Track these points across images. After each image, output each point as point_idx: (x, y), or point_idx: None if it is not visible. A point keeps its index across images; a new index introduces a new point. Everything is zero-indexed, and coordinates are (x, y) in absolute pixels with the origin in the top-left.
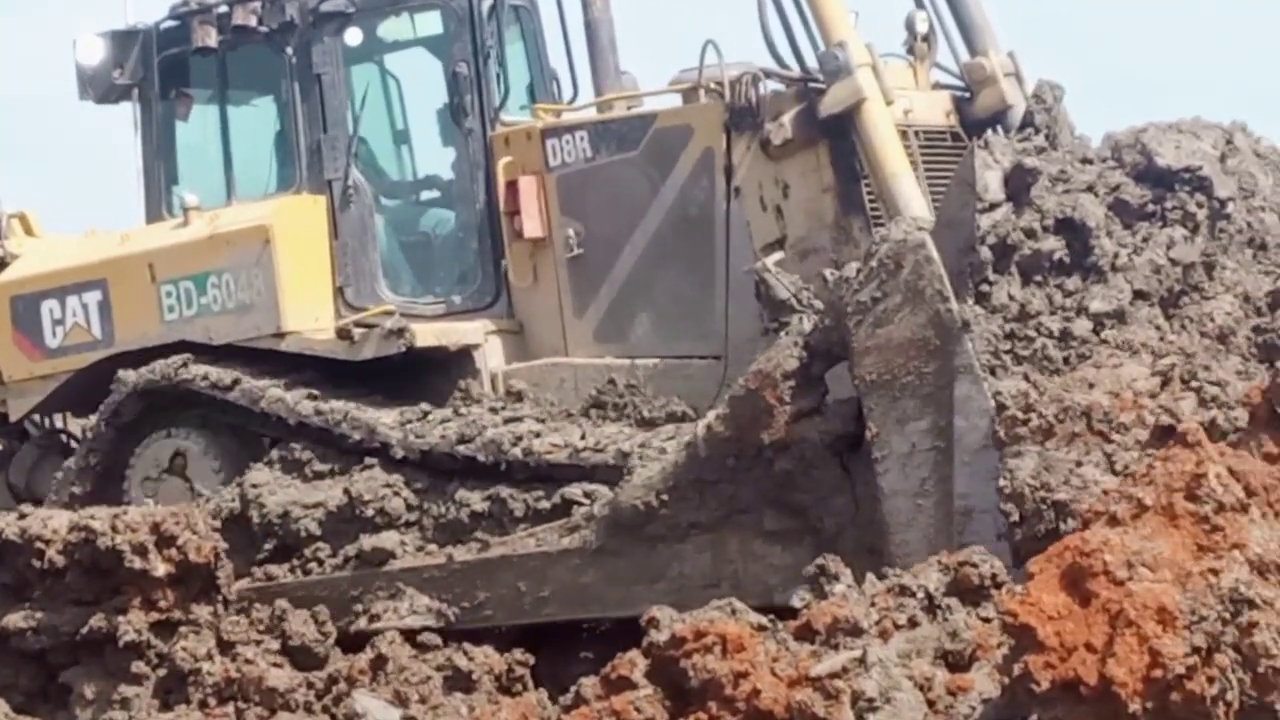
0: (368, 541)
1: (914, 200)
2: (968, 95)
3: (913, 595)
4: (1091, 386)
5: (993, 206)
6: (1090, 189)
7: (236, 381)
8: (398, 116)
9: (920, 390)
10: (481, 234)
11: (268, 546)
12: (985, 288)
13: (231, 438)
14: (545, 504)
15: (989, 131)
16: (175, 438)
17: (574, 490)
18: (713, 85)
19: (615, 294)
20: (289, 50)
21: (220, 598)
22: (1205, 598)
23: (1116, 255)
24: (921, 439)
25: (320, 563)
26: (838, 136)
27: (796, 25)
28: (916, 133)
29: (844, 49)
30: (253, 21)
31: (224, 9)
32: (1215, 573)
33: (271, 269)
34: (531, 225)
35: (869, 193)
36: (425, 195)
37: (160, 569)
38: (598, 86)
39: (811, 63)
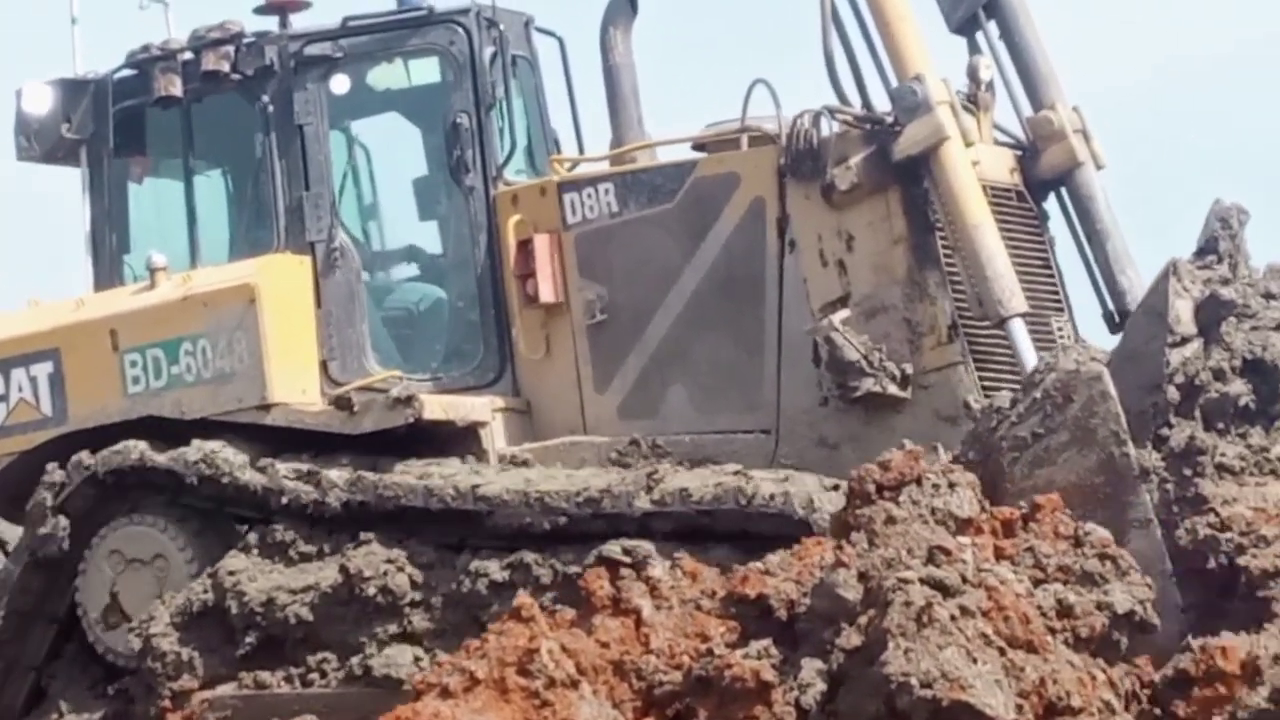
0: (378, 662)
1: (997, 255)
2: (1027, 152)
3: None
4: None
5: (1183, 340)
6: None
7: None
8: (376, 178)
9: None
10: (483, 302)
11: (249, 641)
12: (1165, 431)
13: (204, 523)
14: (576, 568)
15: (1181, 257)
16: (142, 525)
17: (612, 548)
18: (763, 130)
19: (645, 364)
20: (265, 99)
21: None
22: None
23: None
24: None
25: (323, 674)
26: (910, 182)
27: (862, 59)
28: (985, 188)
29: (922, 83)
30: (225, 68)
31: (190, 55)
32: None
33: (256, 333)
34: (546, 289)
35: (944, 245)
36: (409, 261)
37: None
38: (618, 138)
39: (878, 101)
